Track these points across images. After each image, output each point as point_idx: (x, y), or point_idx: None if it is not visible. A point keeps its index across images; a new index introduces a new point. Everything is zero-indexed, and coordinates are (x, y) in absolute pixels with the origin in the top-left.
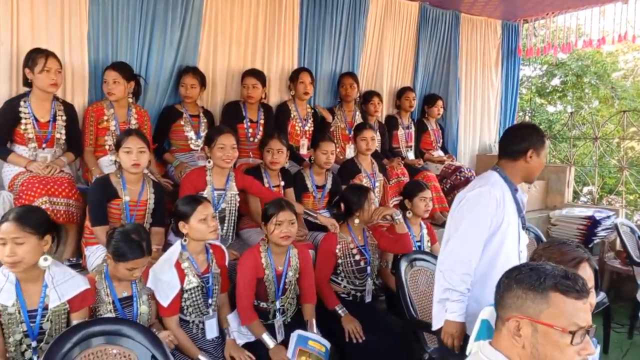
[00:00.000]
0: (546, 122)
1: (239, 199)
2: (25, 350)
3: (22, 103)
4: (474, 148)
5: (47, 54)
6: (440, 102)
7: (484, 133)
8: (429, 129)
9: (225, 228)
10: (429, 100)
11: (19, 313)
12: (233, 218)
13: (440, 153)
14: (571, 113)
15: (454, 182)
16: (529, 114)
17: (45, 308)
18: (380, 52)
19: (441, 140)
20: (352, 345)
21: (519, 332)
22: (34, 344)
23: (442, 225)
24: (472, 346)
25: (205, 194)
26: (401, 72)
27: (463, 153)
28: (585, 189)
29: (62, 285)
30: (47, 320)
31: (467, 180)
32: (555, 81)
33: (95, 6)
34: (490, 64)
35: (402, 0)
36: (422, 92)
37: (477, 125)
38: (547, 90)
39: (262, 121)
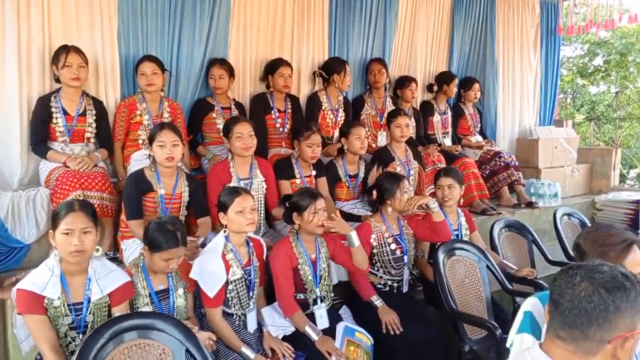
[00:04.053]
0: (589, 104)
1: (266, 186)
2: (70, 342)
3: (52, 99)
4: (513, 132)
5: (68, 49)
6: (477, 86)
7: (524, 116)
8: (466, 113)
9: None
10: (465, 83)
11: (64, 306)
12: (262, 206)
13: (479, 138)
14: (616, 93)
15: (493, 168)
16: (570, 96)
17: (90, 301)
18: (413, 36)
19: (479, 125)
20: (390, 337)
21: (623, 349)
22: (80, 336)
23: (482, 212)
24: (513, 338)
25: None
26: (435, 56)
27: (502, 137)
28: (632, 172)
29: (103, 278)
30: (90, 313)
31: (507, 166)
32: (598, 60)
33: (125, 1)
34: (529, 44)
35: None
36: (459, 76)
37: (517, 109)
38: (589, 71)
39: (289, 111)
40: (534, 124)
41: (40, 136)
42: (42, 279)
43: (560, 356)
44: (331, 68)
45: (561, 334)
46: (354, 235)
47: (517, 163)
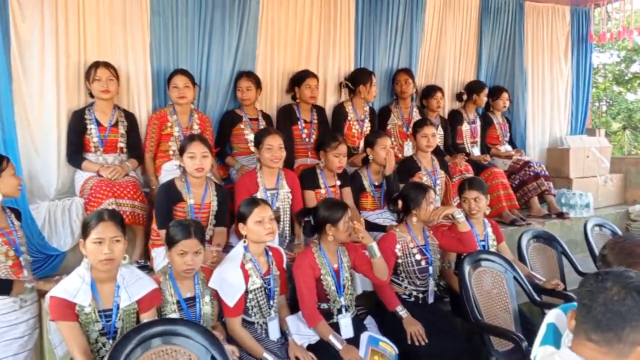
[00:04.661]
0: (625, 112)
1: (291, 197)
2: (101, 348)
3: (86, 112)
4: (543, 141)
5: (97, 64)
6: (505, 95)
7: (555, 125)
8: (495, 122)
9: (281, 226)
10: (494, 92)
11: (94, 313)
12: (287, 216)
13: (508, 147)
14: None
15: (523, 178)
16: (606, 104)
17: (119, 307)
18: (440, 46)
19: (508, 134)
20: (415, 348)
21: None
22: (110, 342)
23: (511, 223)
24: (537, 350)
25: (258, 195)
26: (464, 65)
27: (532, 147)
28: None
29: (131, 285)
30: (119, 320)
31: (537, 176)
32: (635, 67)
33: (156, 17)
34: (559, 52)
35: None
36: (487, 85)
37: (547, 118)
38: (626, 78)
39: (315, 121)
40: (565, 133)
41: (75, 147)
42: (74, 287)
43: (593, 358)
44: (357, 79)
45: (593, 337)
46: (375, 247)
47: (547, 173)
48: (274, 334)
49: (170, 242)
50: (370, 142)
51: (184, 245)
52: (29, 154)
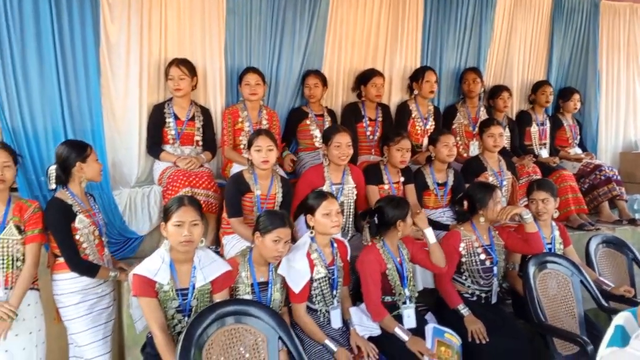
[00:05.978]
0: None
1: (356, 192)
2: (176, 324)
3: (165, 106)
4: (616, 145)
5: (171, 63)
6: (576, 96)
7: (629, 128)
8: (565, 124)
9: (344, 220)
10: (564, 94)
11: (172, 291)
12: (351, 210)
13: (578, 150)
14: None
15: (593, 182)
16: None
17: (195, 287)
18: (510, 46)
19: (578, 137)
20: (476, 345)
21: None
22: (185, 319)
23: (579, 227)
24: (602, 352)
25: (324, 189)
26: (533, 65)
27: (604, 150)
28: None
29: (206, 267)
30: (194, 299)
31: (608, 180)
32: None
33: (232, 17)
34: (637, 53)
35: None
36: (557, 86)
37: (621, 120)
38: None
39: (380, 119)
40: None
41: (154, 139)
42: (155, 266)
43: None
44: (413, 77)
45: None
46: (428, 233)
47: (619, 177)
48: (336, 322)
49: (264, 229)
50: (433, 139)
51: (280, 233)
52: (113, 144)
